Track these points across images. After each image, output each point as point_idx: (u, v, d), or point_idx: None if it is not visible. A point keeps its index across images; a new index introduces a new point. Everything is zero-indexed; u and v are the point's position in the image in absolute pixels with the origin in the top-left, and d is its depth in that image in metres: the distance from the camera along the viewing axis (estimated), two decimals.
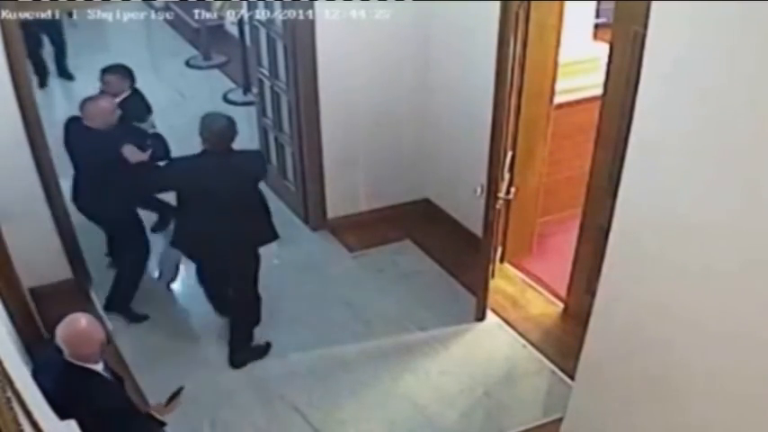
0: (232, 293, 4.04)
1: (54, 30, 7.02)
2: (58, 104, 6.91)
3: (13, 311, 2.89)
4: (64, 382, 2.64)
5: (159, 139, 4.13)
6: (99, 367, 2.74)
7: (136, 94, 4.42)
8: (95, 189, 4.03)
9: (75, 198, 4.18)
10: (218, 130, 3.61)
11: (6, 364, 1.97)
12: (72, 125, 4.05)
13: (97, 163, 3.94)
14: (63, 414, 2.52)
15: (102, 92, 4.22)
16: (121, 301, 4.33)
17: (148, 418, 2.88)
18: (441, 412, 3.76)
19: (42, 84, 6.89)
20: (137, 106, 4.34)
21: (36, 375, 2.68)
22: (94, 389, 2.71)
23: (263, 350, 4.11)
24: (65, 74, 7.24)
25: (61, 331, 2.62)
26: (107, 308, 4.31)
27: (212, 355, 4.11)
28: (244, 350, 4.05)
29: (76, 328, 2.63)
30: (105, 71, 4.31)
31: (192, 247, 3.95)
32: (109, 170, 3.90)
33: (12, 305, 2.89)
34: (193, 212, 3.73)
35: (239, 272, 3.91)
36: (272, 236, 3.90)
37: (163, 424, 2.92)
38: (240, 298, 4.00)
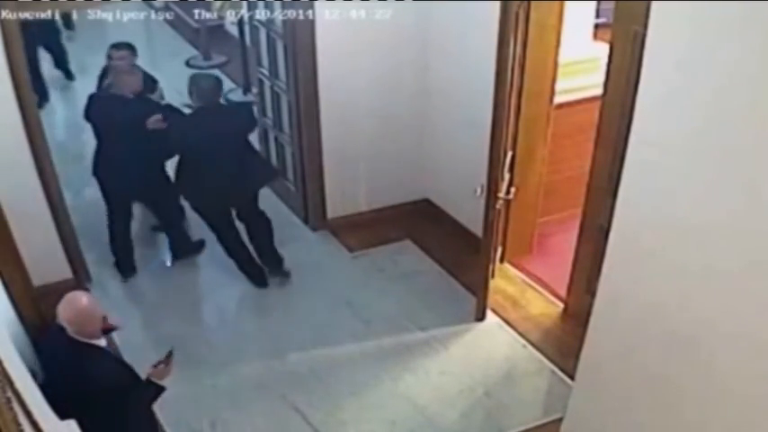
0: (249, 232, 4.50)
1: (52, 41, 7.00)
2: (58, 108, 6.93)
3: (22, 310, 2.87)
4: (71, 359, 2.69)
5: (174, 110, 4.44)
6: (102, 342, 2.79)
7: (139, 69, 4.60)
8: (125, 154, 4.27)
9: (96, 170, 4.44)
10: (208, 87, 4.08)
11: (6, 365, 1.97)
12: (97, 98, 4.35)
13: (128, 127, 4.20)
14: (71, 390, 2.58)
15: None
16: (181, 245, 4.82)
17: (149, 385, 2.92)
18: (441, 412, 3.76)
19: (41, 105, 6.27)
20: (146, 78, 4.55)
21: (42, 357, 2.76)
22: (101, 362, 2.76)
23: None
24: (66, 74, 7.25)
25: (63, 310, 2.67)
26: (176, 257, 4.83)
27: (212, 354, 4.11)
28: (276, 256, 4.57)
29: (78, 307, 2.67)
30: (115, 47, 4.48)
31: (200, 200, 4.33)
32: (138, 134, 4.19)
33: (22, 305, 2.88)
34: (198, 166, 4.12)
35: (250, 211, 4.40)
36: (272, 174, 4.50)
37: (162, 389, 2.96)
38: (259, 228, 4.50)
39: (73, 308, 2.68)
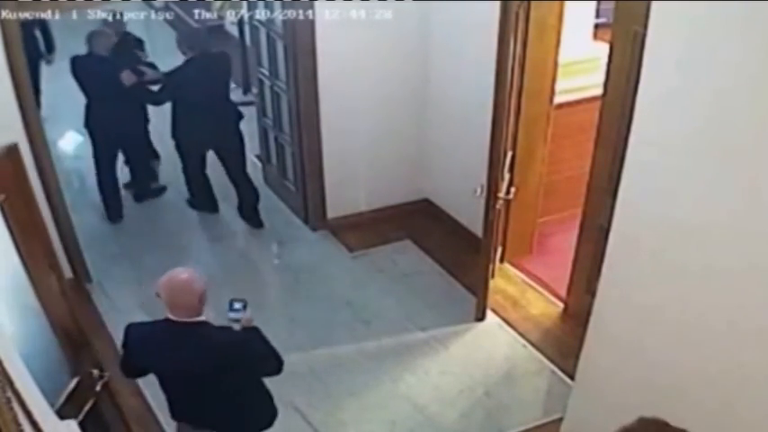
0: (233, 176, 5.19)
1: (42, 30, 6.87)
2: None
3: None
4: (172, 340, 2.62)
5: (153, 66, 5.19)
6: (202, 318, 2.66)
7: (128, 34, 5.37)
8: (108, 107, 4.91)
9: (87, 123, 5.03)
10: (198, 40, 4.92)
11: (6, 365, 1.97)
12: (77, 58, 4.90)
13: (106, 82, 4.83)
14: (185, 371, 2.61)
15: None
16: (142, 190, 5.51)
17: (253, 330, 2.74)
18: (441, 412, 3.76)
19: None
20: (133, 39, 5.38)
21: (137, 350, 2.68)
22: (210, 335, 2.64)
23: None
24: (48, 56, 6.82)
25: (162, 285, 2.59)
26: (137, 199, 5.49)
27: None
28: (258, 218, 5.25)
29: (179, 278, 2.59)
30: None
31: (191, 139, 4.98)
32: (118, 88, 4.82)
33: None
34: (190, 109, 4.81)
35: (233, 149, 5.09)
36: (241, 115, 5.08)
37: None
38: (240, 176, 5.18)
39: (172, 280, 2.59)
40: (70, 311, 2.89)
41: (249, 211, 5.25)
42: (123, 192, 5.42)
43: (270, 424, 2.95)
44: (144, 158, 5.54)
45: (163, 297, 2.59)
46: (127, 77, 4.84)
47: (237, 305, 2.67)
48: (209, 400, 2.75)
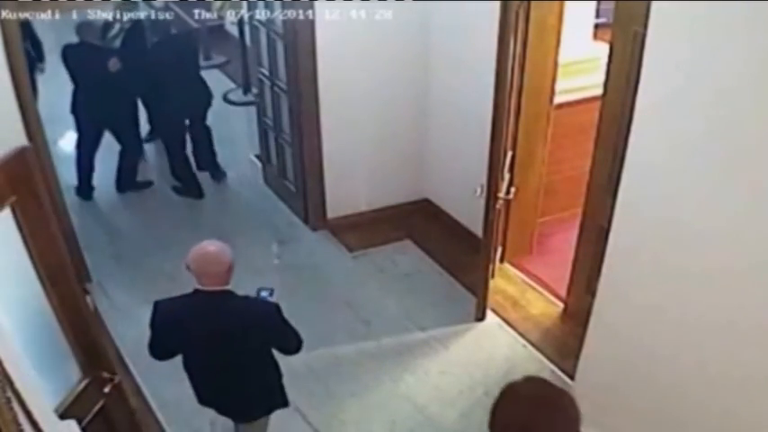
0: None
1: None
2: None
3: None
4: (200, 307, 2.77)
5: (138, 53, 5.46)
6: (228, 288, 2.81)
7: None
8: (96, 93, 5.20)
9: (73, 108, 5.31)
10: (165, 25, 5.47)
11: (6, 365, 1.97)
12: (70, 49, 5.16)
13: (96, 70, 5.12)
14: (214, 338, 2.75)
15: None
16: (127, 180, 5.63)
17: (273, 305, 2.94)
18: (441, 412, 3.76)
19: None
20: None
21: (166, 323, 2.82)
22: (236, 300, 2.81)
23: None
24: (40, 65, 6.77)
25: (193, 256, 2.74)
26: (119, 189, 5.65)
27: None
28: (215, 162, 5.83)
29: (208, 249, 2.75)
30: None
31: (164, 117, 5.58)
32: (105, 74, 5.11)
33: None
34: (165, 88, 5.24)
35: (200, 127, 5.67)
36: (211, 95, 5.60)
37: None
38: (202, 138, 5.73)
39: (201, 251, 2.75)
40: (81, 314, 2.89)
41: (206, 154, 5.78)
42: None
43: (283, 404, 3.22)
44: (132, 144, 5.71)
45: (193, 268, 2.74)
46: (113, 64, 5.10)
47: (264, 293, 2.94)
48: (232, 374, 2.90)
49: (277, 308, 2.87)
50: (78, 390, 2.73)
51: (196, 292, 2.76)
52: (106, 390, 2.85)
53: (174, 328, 2.84)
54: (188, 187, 5.62)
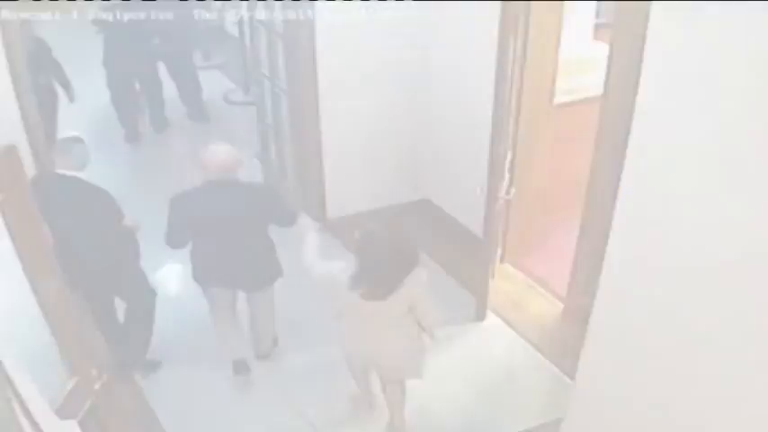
0: None
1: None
2: None
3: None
4: (212, 190, 3.40)
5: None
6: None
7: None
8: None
9: (106, 61, 6.01)
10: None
11: (6, 364, 1.97)
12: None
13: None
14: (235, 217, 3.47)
15: None
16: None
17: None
18: (441, 412, 3.76)
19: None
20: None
21: (182, 208, 3.43)
22: (243, 182, 3.50)
23: None
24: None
25: (204, 153, 3.39)
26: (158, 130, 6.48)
27: (212, 354, 4.11)
28: None
29: (218, 145, 3.43)
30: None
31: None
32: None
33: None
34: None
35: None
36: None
37: None
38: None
39: (212, 148, 3.41)
40: (69, 312, 2.89)
41: (190, 98, 6.47)
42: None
43: (278, 273, 3.90)
44: (157, 94, 6.39)
45: (204, 162, 3.36)
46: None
47: None
48: (236, 247, 3.53)
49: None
50: (67, 388, 2.73)
51: (207, 181, 3.36)
52: (96, 387, 2.85)
53: (190, 208, 3.42)
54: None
